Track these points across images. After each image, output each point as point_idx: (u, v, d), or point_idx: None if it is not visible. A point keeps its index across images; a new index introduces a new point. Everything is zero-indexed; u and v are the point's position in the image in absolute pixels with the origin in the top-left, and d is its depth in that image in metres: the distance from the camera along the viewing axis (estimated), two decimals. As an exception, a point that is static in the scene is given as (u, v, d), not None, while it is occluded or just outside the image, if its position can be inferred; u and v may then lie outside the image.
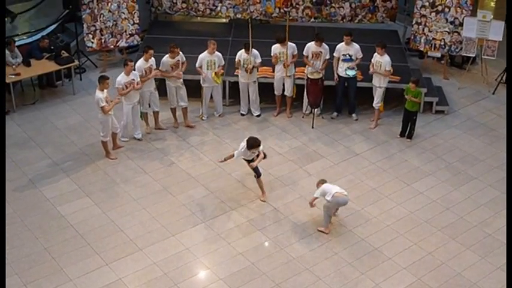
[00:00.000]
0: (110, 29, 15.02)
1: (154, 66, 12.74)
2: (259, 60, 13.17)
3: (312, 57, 13.23)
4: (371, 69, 13.04)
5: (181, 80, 12.99)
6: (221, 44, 13.72)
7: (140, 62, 12.57)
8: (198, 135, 13.03)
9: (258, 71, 13.41)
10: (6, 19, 14.56)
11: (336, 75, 13.33)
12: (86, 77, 15.03)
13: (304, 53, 13.27)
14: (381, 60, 12.88)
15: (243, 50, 13.10)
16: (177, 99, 13.05)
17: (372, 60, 13.05)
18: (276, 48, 13.22)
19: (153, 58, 12.65)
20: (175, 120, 13.28)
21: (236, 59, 13.23)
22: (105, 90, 11.78)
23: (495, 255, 10.23)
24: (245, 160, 11.04)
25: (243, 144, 10.83)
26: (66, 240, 10.29)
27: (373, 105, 13.27)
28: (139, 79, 12.33)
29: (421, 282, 9.71)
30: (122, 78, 12.14)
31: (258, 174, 11.09)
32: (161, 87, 13.22)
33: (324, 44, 13.21)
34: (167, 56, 12.77)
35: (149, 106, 12.95)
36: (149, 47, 12.66)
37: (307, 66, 13.30)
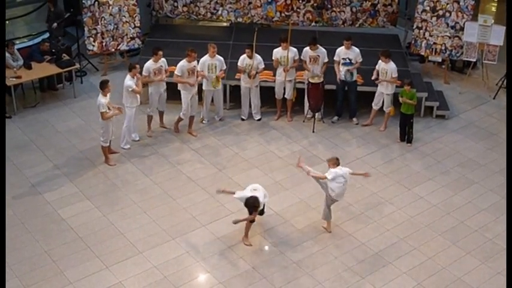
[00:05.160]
0: (111, 32, 15.04)
1: (166, 67, 12.71)
2: (262, 66, 13.14)
3: (310, 61, 13.23)
4: (374, 76, 13.03)
5: (196, 89, 12.85)
6: (222, 48, 13.70)
7: (149, 63, 12.51)
8: (198, 139, 13.01)
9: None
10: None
11: (338, 77, 13.32)
12: (87, 80, 15.04)
13: (302, 57, 13.27)
14: (387, 68, 12.88)
15: (245, 55, 13.06)
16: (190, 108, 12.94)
17: (377, 67, 13.03)
18: (277, 52, 13.21)
19: (163, 59, 12.61)
20: (177, 126, 13.23)
21: (239, 64, 13.19)
22: (108, 95, 11.76)
23: (496, 260, 10.22)
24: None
25: (246, 194, 10.14)
26: (67, 243, 10.29)
27: (384, 109, 13.24)
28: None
29: (422, 287, 9.70)
30: (131, 81, 12.01)
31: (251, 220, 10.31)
32: (168, 91, 13.16)
33: (320, 47, 13.21)
34: (184, 60, 12.63)
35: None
36: (158, 48, 12.60)
37: (305, 71, 13.32)
